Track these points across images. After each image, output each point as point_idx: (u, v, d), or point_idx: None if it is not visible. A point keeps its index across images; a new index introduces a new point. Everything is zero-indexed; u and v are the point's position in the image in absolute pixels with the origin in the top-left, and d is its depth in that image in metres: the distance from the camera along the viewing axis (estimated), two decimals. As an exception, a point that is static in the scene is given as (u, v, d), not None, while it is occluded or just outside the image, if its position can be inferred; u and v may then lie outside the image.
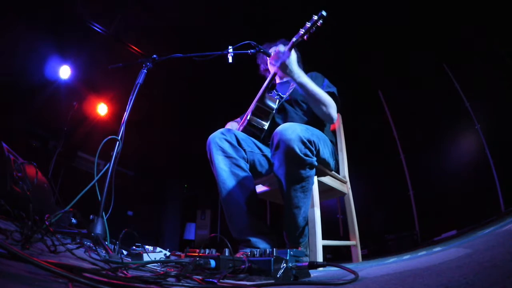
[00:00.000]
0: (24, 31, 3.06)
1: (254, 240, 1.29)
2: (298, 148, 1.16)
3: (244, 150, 1.46)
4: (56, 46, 3.36)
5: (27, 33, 3.09)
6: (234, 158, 1.40)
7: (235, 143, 1.44)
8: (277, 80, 1.89)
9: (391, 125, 3.70)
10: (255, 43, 1.53)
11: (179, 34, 3.63)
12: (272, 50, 1.65)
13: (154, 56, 1.48)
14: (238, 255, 0.99)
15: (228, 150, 1.40)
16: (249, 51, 1.53)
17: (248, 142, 1.51)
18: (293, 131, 1.18)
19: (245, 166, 1.43)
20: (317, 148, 1.26)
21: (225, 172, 1.37)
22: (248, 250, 1.15)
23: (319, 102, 1.42)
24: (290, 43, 1.37)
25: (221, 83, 4.25)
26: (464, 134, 3.10)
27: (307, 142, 1.18)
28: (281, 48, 1.37)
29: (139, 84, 1.41)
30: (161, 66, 1.71)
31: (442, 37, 3.23)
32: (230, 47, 1.52)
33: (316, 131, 1.35)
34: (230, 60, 1.51)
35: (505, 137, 2.64)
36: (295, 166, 1.19)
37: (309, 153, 1.19)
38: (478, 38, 2.98)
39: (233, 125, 1.82)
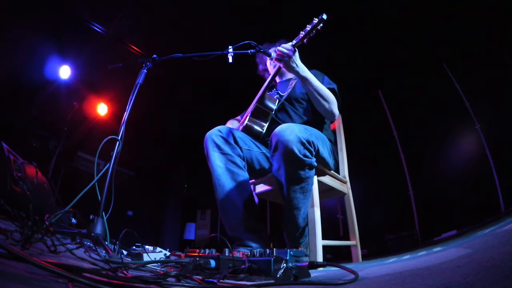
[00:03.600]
0: (24, 31, 3.06)
1: (247, 238, 1.30)
2: (297, 149, 1.15)
3: (241, 148, 1.47)
4: (56, 46, 3.36)
5: (27, 33, 3.09)
6: (230, 155, 1.42)
7: (231, 140, 1.45)
8: (277, 80, 1.89)
9: (391, 125, 3.70)
10: (255, 43, 1.52)
11: (179, 34, 3.62)
12: (272, 51, 1.66)
13: (154, 56, 1.48)
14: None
15: (224, 147, 1.42)
16: (249, 51, 1.53)
17: (246, 140, 1.52)
18: (291, 132, 1.17)
19: (241, 163, 1.44)
20: (316, 148, 1.26)
21: (220, 168, 1.39)
22: (241, 249, 1.16)
23: (321, 97, 1.43)
24: (294, 41, 1.38)
25: (221, 83, 4.25)
26: (464, 134, 3.10)
27: (306, 143, 1.18)
28: (287, 45, 1.37)
29: (139, 84, 1.41)
30: (161, 66, 1.71)
31: (442, 37, 3.23)
32: (230, 47, 1.52)
33: (315, 131, 1.35)
34: (230, 60, 1.51)
35: (505, 137, 2.64)
36: (294, 168, 1.19)
37: (308, 153, 1.19)
38: (478, 38, 2.97)
39: (233, 123, 1.82)
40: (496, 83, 2.83)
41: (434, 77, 3.38)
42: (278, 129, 1.22)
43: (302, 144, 1.17)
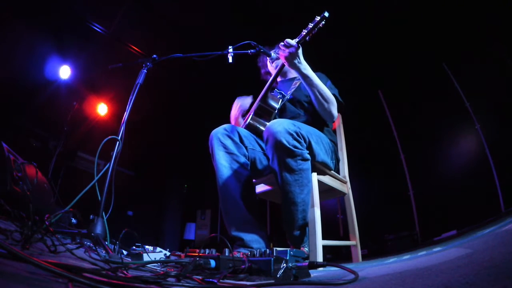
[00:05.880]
0: (24, 31, 3.06)
1: (248, 238, 1.30)
2: (285, 139, 1.18)
3: (246, 147, 1.48)
4: (56, 46, 3.36)
5: (27, 33, 3.09)
6: (235, 154, 1.42)
7: (237, 139, 1.46)
8: (279, 79, 1.89)
9: (391, 125, 3.70)
10: (255, 43, 1.53)
11: (179, 34, 3.63)
12: (272, 52, 1.65)
13: (154, 56, 1.48)
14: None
15: (229, 146, 1.43)
16: (249, 51, 1.53)
17: (250, 139, 1.52)
18: (279, 124, 1.21)
19: (246, 163, 1.45)
20: (307, 141, 1.26)
21: (225, 168, 1.40)
22: (242, 250, 1.15)
23: (321, 96, 1.43)
24: (296, 39, 1.36)
25: (221, 82, 4.25)
26: (464, 134, 3.09)
27: (295, 134, 1.20)
28: (291, 41, 1.35)
29: (139, 84, 1.41)
30: (161, 66, 1.71)
31: (442, 37, 3.23)
32: (230, 47, 1.52)
33: (306, 127, 1.35)
34: (230, 60, 1.51)
35: (505, 137, 2.64)
36: (285, 157, 1.20)
37: (297, 144, 1.21)
38: (478, 38, 2.97)
39: (245, 101, 1.77)
40: (496, 83, 2.83)
41: (434, 77, 3.38)
42: (269, 123, 1.25)
43: (291, 135, 1.19)
